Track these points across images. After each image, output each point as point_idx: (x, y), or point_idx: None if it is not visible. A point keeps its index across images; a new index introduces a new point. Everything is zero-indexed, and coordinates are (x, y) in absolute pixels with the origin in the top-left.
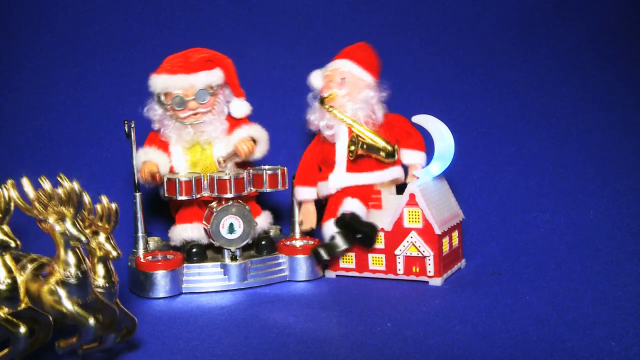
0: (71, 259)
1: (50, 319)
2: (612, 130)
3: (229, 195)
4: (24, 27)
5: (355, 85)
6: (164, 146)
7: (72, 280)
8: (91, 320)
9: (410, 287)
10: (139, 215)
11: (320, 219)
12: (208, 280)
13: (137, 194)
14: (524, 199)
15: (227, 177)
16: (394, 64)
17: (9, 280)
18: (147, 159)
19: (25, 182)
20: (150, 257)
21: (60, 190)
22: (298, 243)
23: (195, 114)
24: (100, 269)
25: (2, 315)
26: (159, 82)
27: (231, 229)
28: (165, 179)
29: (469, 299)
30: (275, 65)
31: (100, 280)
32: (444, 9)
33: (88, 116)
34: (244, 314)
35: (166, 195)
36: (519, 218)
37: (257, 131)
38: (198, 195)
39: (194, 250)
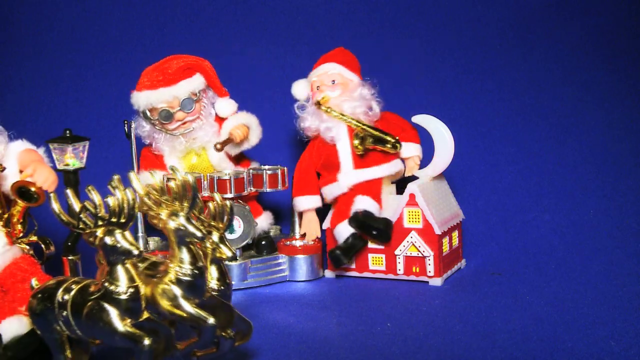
0: (186, 256)
1: (172, 331)
2: (612, 130)
3: (229, 195)
4: (24, 27)
5: (346, 86)
6: (159, 163)
7: (188, 279)
8: (210, 320)
9: (410, 287)
10: (139, 215)
11: (321, 223)
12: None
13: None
14: (524, 199)
15: (227, 177)
16: (394, 64)
17: (132, 290)
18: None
19: (133, 177)
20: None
21: (172, 184)
22: (298, 243)
23: (184, 124)
24: (213, 271)
25: (124, 328)
26: (141, 98)
27: (231, 229)
28: (165, 179)
29: (469, 299)
30: (275, 66)
31: (213, 283)
32: (444, 9)
33: (88, 116)
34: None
35: None
36: (519, 218)
37: (246, 117)
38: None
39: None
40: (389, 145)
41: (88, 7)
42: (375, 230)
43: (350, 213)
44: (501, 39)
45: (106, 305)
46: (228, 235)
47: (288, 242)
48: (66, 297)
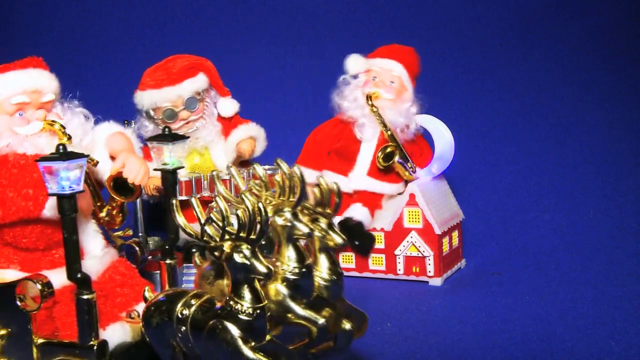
0: (292, 254)
1: (294, 354)
2: (612, 130)
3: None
4: (24, 27)
5: (400, 93)
6: None
7: (295, 277)
8: (321, 321)
9: (410, 287)
10: (139, 215)
11: None
12: None
13: None
14: (524, 199)
15: (227, 177)
16: None
17: (258, 311)
18: (152, 175)
19: (234, 172)
20: (150, 257)
21: (277, 178)
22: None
23: (187, 123)
24: (323, 260)
25: (249, 353)
26: (145, 98)
27: None
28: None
29: (469, 299)
30: (275, 65)
31: (325, 273)
32: (444, 9)
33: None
34: None
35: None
36: (519, 218)
37: (255, 130)
38: (198, 196)
39: (194, 250)
40: (407, 173)
41: (88, 7)
42: (359, 242)
43: (343, 216)
44: (501, 39)
45: (229, 326)
46: None
47: None
48: (186, 312)
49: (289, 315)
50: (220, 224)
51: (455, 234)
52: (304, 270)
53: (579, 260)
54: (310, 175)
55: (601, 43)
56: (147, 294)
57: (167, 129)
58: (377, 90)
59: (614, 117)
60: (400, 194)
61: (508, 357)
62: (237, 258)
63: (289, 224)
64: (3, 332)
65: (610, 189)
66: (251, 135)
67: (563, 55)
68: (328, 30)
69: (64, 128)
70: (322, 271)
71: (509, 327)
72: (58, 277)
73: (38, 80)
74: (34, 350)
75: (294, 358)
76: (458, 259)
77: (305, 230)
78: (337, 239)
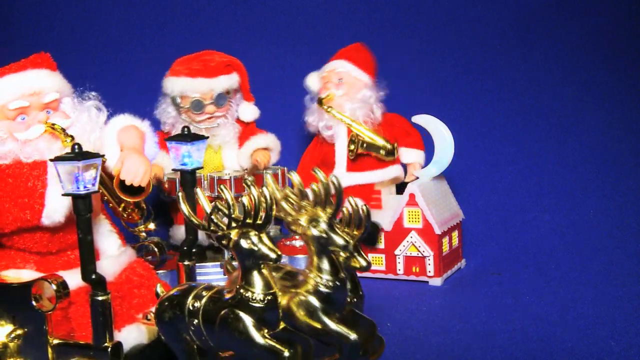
0: (326, 266)
1: (310, 342)
2: (612, 130)
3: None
4: (24, 27)
5: (352, 85)
6: None
7: (327, 291)
8: (353, 336)
9: (410, 287)
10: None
11: None
12: (208, 280)
13: None
14: (524, 199)
15: (227, 177)
16: (394, 64)
17: (269, 297)
18: (154, 162)
19: (270, 179)
20: (150, 258)
21: (314, 187)
22: (298, 243)
23: (210, 118)
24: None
25: (263, 340)
26: (177, 84)
27: None
28: (165, 179)
29: (469, 299)
30: (275, 65)
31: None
32: (444, 9)
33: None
34: None
35: (167, 195)
36: (519, 218)
37: (272, 141)
38: None
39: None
40: (382, 152)
41: (88, 7)
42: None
43: None
44: (501, 39)
45: (241, 314)
46: None
47: (288, 242)
48: (197, 304)
49: (320, 329)
50: (226, 212)
51: (455, 234)
52: (337, 283)
53: (579, 260)
54: None
55: (601, 43)
56: (159, 290)
57: (186, 129)
58: (328, 91)
59: (614, 117)
60: (400, 188)
61: (508, 357)
62: (244, 244)
63: (324, 235)
64: (19, 332)
65: (610, 189)
66: (268, 146)
67: (563, 55)
68: (328, 30)
69: (64, 130)
70: None
71: (509, 327)
72: (74, 278)
73: (36, 82)
74: (50, 350)
75: (310, 346)
76: (458, 259)
77: (341, 242)
78: (362, 262)
